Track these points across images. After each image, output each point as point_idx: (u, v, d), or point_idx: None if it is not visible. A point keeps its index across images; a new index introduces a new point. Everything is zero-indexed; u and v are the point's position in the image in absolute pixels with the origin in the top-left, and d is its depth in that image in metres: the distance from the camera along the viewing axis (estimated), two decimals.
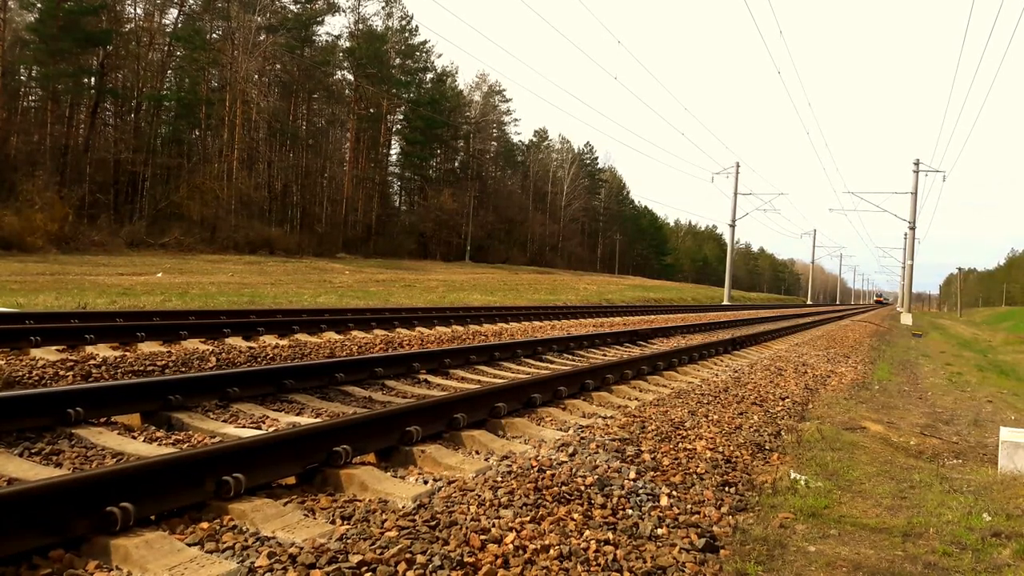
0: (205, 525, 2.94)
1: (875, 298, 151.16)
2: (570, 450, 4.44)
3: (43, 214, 36.56)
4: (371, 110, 66.45)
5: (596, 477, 3.92)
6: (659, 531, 3.39)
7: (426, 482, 3.80)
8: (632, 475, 4.07)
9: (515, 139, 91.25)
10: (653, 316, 22.39)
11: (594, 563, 2.96)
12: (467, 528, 3.04)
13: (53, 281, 21.80)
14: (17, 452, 3.79)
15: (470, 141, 78.76)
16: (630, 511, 3.59)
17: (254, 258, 43.86)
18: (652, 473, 4.22)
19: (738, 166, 48.61)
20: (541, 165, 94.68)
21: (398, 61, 69.88)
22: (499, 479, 3.74)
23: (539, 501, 3.49)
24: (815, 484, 4.62)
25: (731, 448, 5.15)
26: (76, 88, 47.40)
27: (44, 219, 36.41)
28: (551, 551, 2.96)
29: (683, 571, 3.03)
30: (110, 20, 48.33)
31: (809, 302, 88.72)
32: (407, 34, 70.19)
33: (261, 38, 54.78)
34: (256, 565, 2.60)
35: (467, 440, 4.69)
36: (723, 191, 66.43)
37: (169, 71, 55.00)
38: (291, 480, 3.62)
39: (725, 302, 47.38)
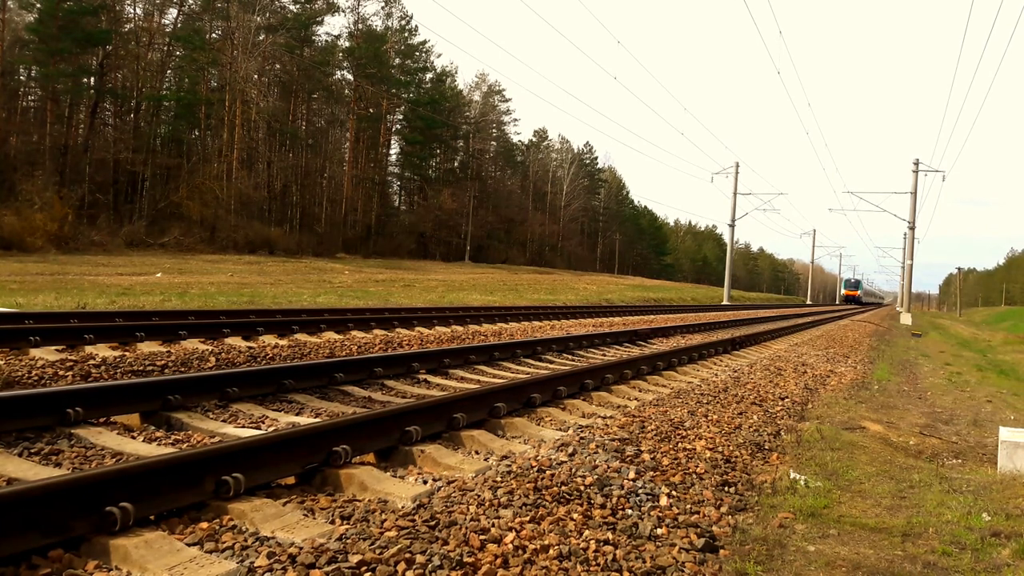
0: (204, 525, 2.94)
1: (843, 292, 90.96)
2: (570, 450, 4.44)
3: (42, 214, 36.58)
4: (371, 110, 66.47)
5: (596, 477, 3.93)
6: (659, 531, 3.39)
7: (425, 482, 3.80)
8: (631, 475, 4.07)
9: (515, 139, 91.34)
10: (653, 316, 22.39)
11: (593, 563, 2.96)
12: (467, 528, 3.04)
13: (52, 281, 21.79)
14: (16, 452, 3.79)
15: (470, 141, 78.75)
16: (629, 511, 3.59)
17: (254, 258, 43.86)
18: (652, 473, 4.22)
19: (738, 166, 48.61)
20: (541, 165, 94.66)
21: (398, 61, 69.91)
22: (499, 479, 3.74)
23: (539, 501, 3.49)
24: (814, 484, 4.62)
25: (731, 448, 5.16)
26: (75, 88, 47.43)
27: (43, 219, 36.44)
28: (551, 551, 2.96)
29: (683, 571, 3.03)
30: (109, 20, 48.35)
31: (809, 302, 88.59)
32: (407, 34, 70.22)
33: (261, 38, 54.79)
34: (256, 565, 2.60)
35: (466, 440, 4.69)
36: (723, 191, 66.32)
37: (168, 71, 55.02)
38: (291, 480, 3.62)
39: (725, 302, 47.38)
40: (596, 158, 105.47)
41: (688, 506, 3.82)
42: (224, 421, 4.84)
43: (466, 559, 2.78)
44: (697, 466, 4.52)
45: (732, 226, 49.21)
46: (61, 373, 6.03)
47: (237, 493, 3.17)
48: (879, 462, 5.55)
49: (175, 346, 8.19)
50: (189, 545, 2.75)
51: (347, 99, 64.48)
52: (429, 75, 74.38)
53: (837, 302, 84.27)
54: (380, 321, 12.11)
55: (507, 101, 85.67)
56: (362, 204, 64.87)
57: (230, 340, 8.99)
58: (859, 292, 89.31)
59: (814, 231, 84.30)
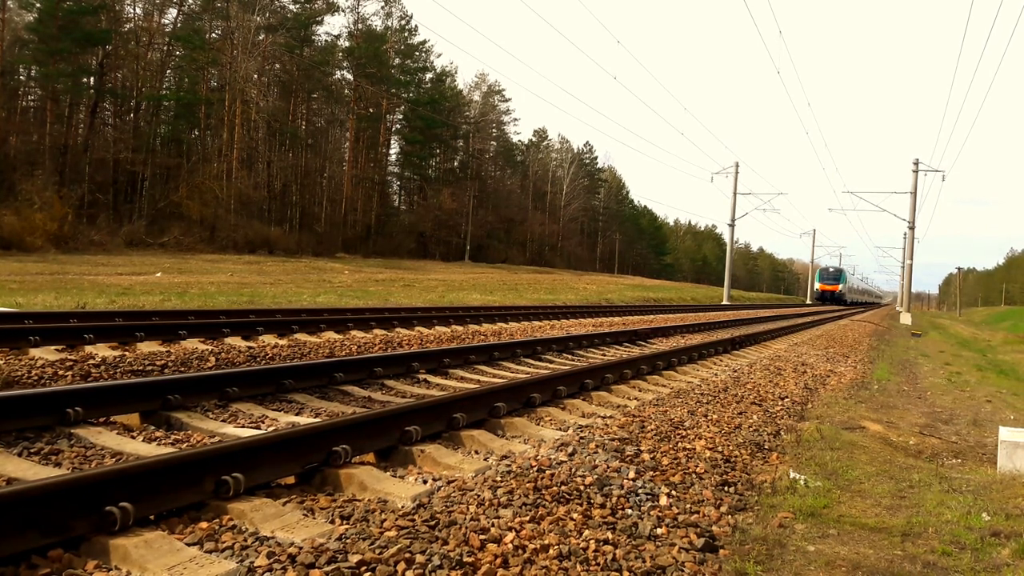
0: (204, 525, 2.94)
1: (818, 286, 66.46)
2: (569, 450, 4.44)
3: (42, 214, 36.60)
4: (370, 110, 66.48)
5: (595, 477, 3.92)
6: (658, 531, 3.39)
7: (425, 482, 3.80)
8: (631, 475, 4.07)
9: (514, 139, 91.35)
10: (652, 316, 22.39)
11: (593, 563, 2.96)
12: (466, 528, 3.04)
13: (52, 281, 21.79)
14: (16, 452, 3.79)
15: (469, 141, 78.77)
16: (629, 511, 3.59)
17: (253, 258, 43.86)
18: (651, 473, 4.22)
19: (737, 166, 48.62)
20: (540, 165, 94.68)
21: (397, 61, 69.93)
22: (498, 479, 3.74)
23: (538, 501, 3.49)
24: (814, 484, 4.62)
25: (730, 448, 5.16)
26: (75, 88, 47.43)
27: (43, 219, 36.45)
28: (550, 551, 2.96)
29: (682, 571, 3.03)
30: (109, 20, 48.36)
31: (808, 301, 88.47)
32: (406, 34, 70.23)
33: (260, 38, 54.81)
34: (255, 565, 2.60)
35: (466, 440, 4.69)
36: (722, 191, 65.89)
37: (168, 71, 55.03)
38: (290, 480, 3.62)
39: (724, 302, 47.38)
40: (596, 158, 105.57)
41: (688, 506, 3.82)
42: (224, 421, 4.84)
43: (466, 559, 2.78)
44: (697, 466, 4.52)
45: (732, 226, 49.22)
46: (61, 373, 6.03)
47: (237, 493, 3.17)
48: (879, 462, 5.55)
49: (175, 346, 8.19)
50: (189, 545, 2.75)
51: (347, 99, 64.49)
52: (429, 75, 74.44)
53: (808, 300, 64.20)
54: (380, 321, 12.11)
55: (507, 101, 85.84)
56: (362, 204, 64.87)
57: (230, 340, 8.99)
58: (840, 286, 64.24)
59: (814, 231, 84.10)
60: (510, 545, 2.93)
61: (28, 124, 46.81)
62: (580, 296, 36.32)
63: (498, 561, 2.80)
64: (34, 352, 7.07)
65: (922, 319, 56.19)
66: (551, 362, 9.16)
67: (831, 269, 68.48)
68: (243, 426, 4.72)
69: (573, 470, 4.00)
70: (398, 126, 72.93)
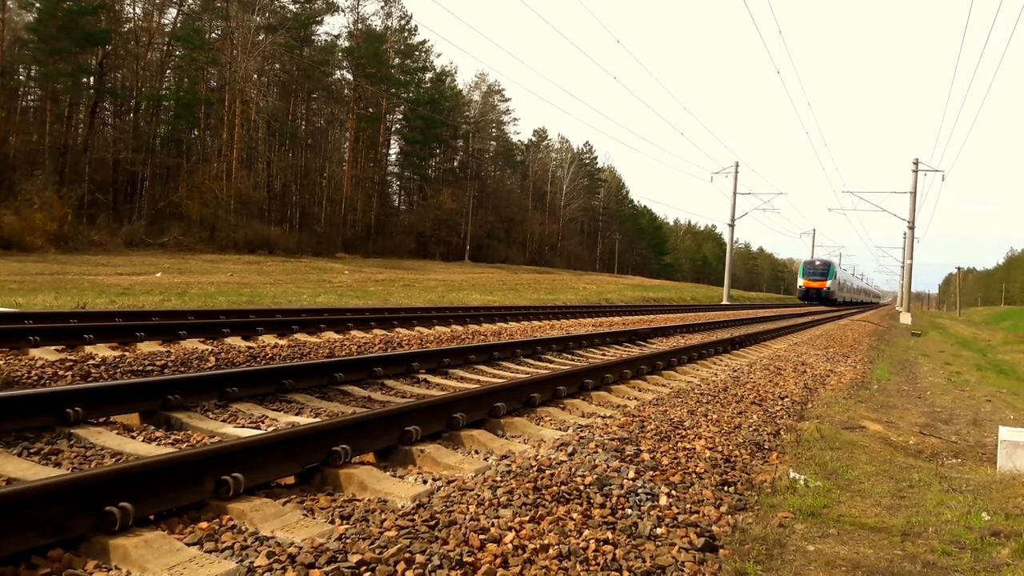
0: (204, 525, 2.95)
1: (801, 282, 56.10)
2: (569, 449, 4.44)
3: (42, 214, 36.60)
4: (370, 110, 66.49)
5: (595, 476, 3.93)
6: (658, 530, 3.39)
7: (425, 482, 3.80)
8: (631, 474, 4.07)
9: (514, 139, 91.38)
10: (652, 316, 22.39)
11: (593, 562, 2.97)
12: (466, 528, 3.04)
13: (52, 281, 21.79)
14: (16, 452, 3.79)
15: (469, 141, 78.77)
16: (629, 510, 3.59)
17: (253, 258, 43.86)
18: (651, 472, 4.22)
19: (737, 166, 48.64)
20: (540, 165, 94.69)
21: (397, 61, 69.94)
22: (498, 479, 3.74)
23: (538, 501, 3.49)
24: (814, 483, 4.62)
25: (730, 447, 5.16)
26: (75, 88, 47.44)
27: (43, 219, 36.46)
28: (550, 550, 2.96)
29: (682, 570, 3.03)
30: (109, 20, 48.36)
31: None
32: (406, 34, 70.25)
33: (260, 38, 54.79)
34: (255, 565, 2.60)
35: (466, 440, 4.69)
36: (722, 191, 65.83)
37: (168, 71, 55.01)
38: (290, 480, 3.62)
39: (724, 301, 47.38)
40: (596, 158, 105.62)
41: (688, 506, 3.82)
42: (224, 421, 4.84)
43: (466, 559, 2.78)
44: (697, 465, 4.52)
45: (732, 226, 49.24)
46: (61, 373, 6.03)
47: (237, 493, 3.17)
48: (879, 461, 5.55)
49: (175, 346, 8.19)
50: (189, 545, 2.76)
51: (347, 99, 64.50)
52: (429, 75, 74.44)
53: (799, 298, 57.09)
54: (380, 321, 12.10)
55: (507, 101, 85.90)
56: (362, 204, 64.88)
57: (230, 340, 8.99)
58: (828, 283, 54.60)
59: (814, 231, 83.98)
60: (510, 545, 2.94)
61: (28, 124, 46.82)
62: (580, 296, 36.32)
63: (498, 561, 2.80)
64: (34, 352, 7.07)
65: (922, 319, 56.18)
66: (551, 362, 9.17)
67: (817, 262, 57.07)
68: (243, 426, 4.72)
69: (573, 470, 4.00)
70: (398, 126, 72.99)
